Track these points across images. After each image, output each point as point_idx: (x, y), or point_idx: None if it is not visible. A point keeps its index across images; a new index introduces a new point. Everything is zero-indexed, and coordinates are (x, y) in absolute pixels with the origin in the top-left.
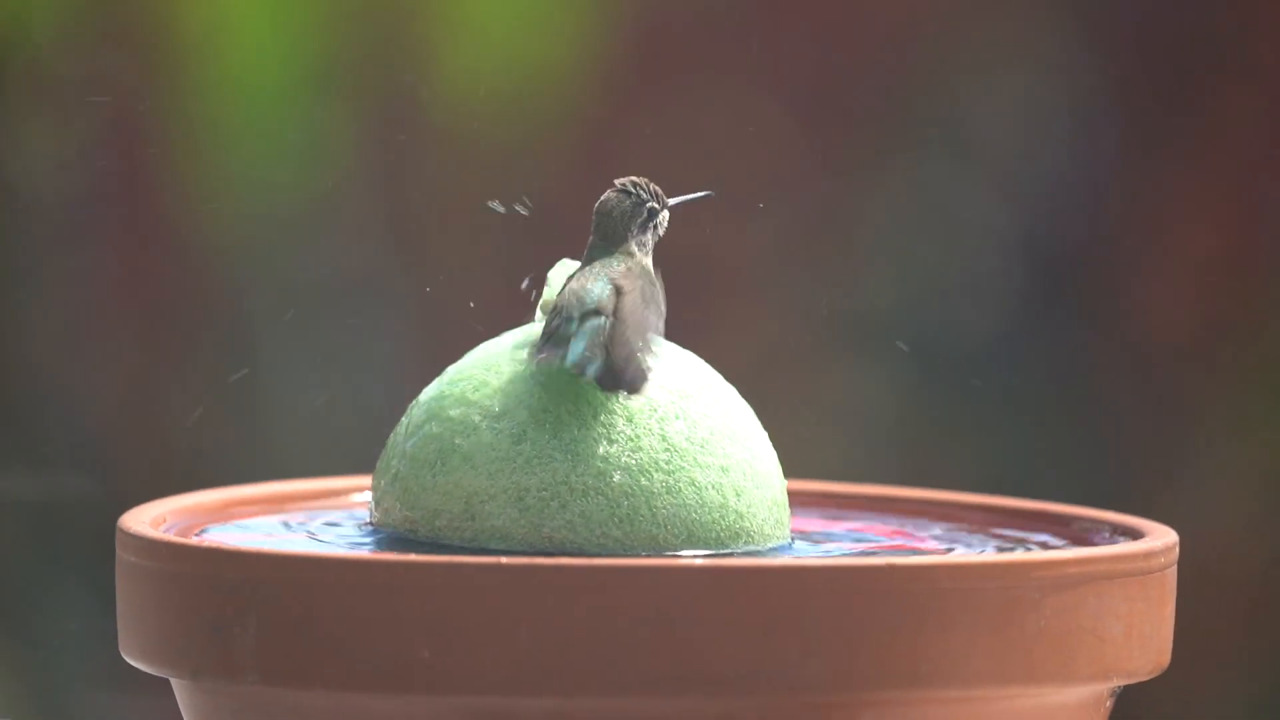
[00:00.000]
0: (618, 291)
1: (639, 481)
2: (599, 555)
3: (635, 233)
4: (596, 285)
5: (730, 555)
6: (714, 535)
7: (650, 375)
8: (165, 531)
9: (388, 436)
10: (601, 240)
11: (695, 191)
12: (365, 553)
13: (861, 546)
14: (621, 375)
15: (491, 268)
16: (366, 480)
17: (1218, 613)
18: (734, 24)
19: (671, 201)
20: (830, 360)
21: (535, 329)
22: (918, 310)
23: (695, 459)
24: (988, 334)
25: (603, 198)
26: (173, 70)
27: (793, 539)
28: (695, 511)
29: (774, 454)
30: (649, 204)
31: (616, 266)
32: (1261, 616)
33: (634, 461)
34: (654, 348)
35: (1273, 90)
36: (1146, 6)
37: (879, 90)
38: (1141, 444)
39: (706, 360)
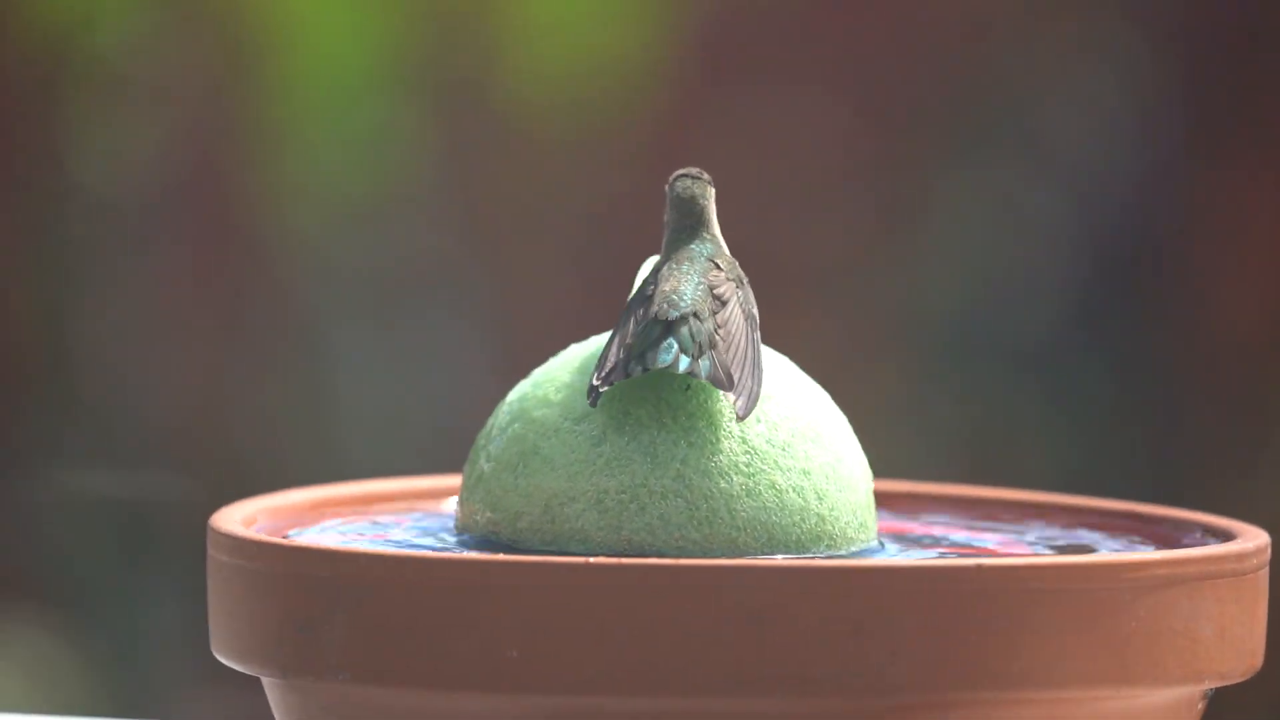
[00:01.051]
0: (718, 300)
1: (718, 484)
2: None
3: (713, 217)
4: (688, 287)
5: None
6: (794, 538)
7: (758, 401)
8: (256, 531)
9: (459, 433)
10: (683, 223)
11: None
12: (453, 552)
13: (949, 549)
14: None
15: (561, 262)
16: (453, 480)
17: None
18: (800, 22)
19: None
20: (898, 361)
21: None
22: (988, 308)
23: (776, 462)
24: (1058, 332)
25: (678, 184)
26: (246, 70)
27: (881, 541)
28: (775, 514)
29: (862, 456)
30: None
31: (707, 263)
32: None
33: (713, 464)
34: (760, 371)
35: None
36: (1214, 5)
37: (946, 89)
38: (1213, 443)
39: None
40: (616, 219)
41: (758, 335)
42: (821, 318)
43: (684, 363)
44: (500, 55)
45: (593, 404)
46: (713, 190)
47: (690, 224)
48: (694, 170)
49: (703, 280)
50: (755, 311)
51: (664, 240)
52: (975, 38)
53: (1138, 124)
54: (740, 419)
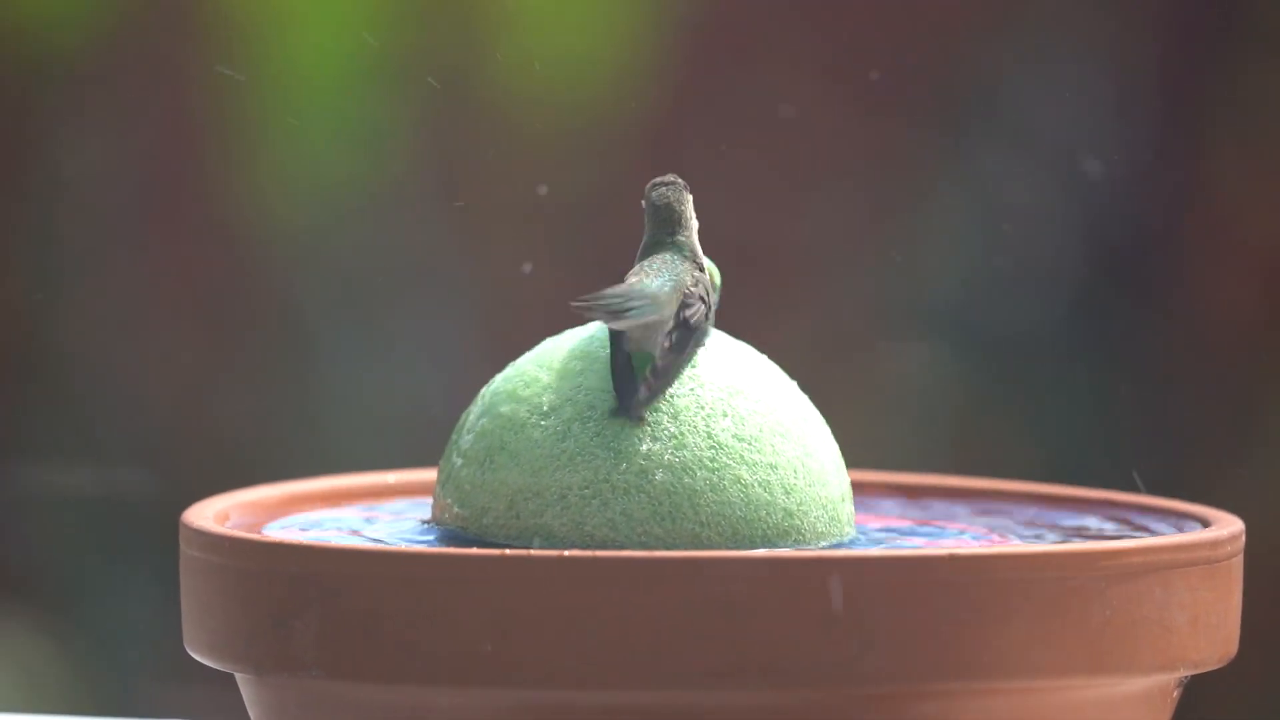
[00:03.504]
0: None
1: (682, 480)
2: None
3: (691, 223)
4: (657, 281)
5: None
6: (760, 533)
7: (644, 412)
8: (228, 527)
9: (445, 428)
10: (659, 232)
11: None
12: (426, 547)
13: (923, 539)
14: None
15: (549, 255)
16: (425, 475)
17: None
18: (787, 14)
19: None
20: (886, 347)
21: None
22: (975, 297)
23: (742, 456)
24: (1046, 321)
25: (658, 195)
26: (229, 64)
27: (857, 534)
28: (740, 509)
29: (834, 450)
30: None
31: (680, 267)
32: None
33: (677, 459)
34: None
35: None
36: None
37: (934, 79)
38: (1201, 432)
39: (760, 349)
40: (605, 212)
41: (690, 353)
42: (808, 306)
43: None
44: (487, 48)
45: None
46: (689, 196)
47: (667, 231)
48: (669, 177)
49: (674, 285)
50: (708, 330)
51: (640, 247)
52: (963, 26)
53: (1132, 113)
54: (623, 414)
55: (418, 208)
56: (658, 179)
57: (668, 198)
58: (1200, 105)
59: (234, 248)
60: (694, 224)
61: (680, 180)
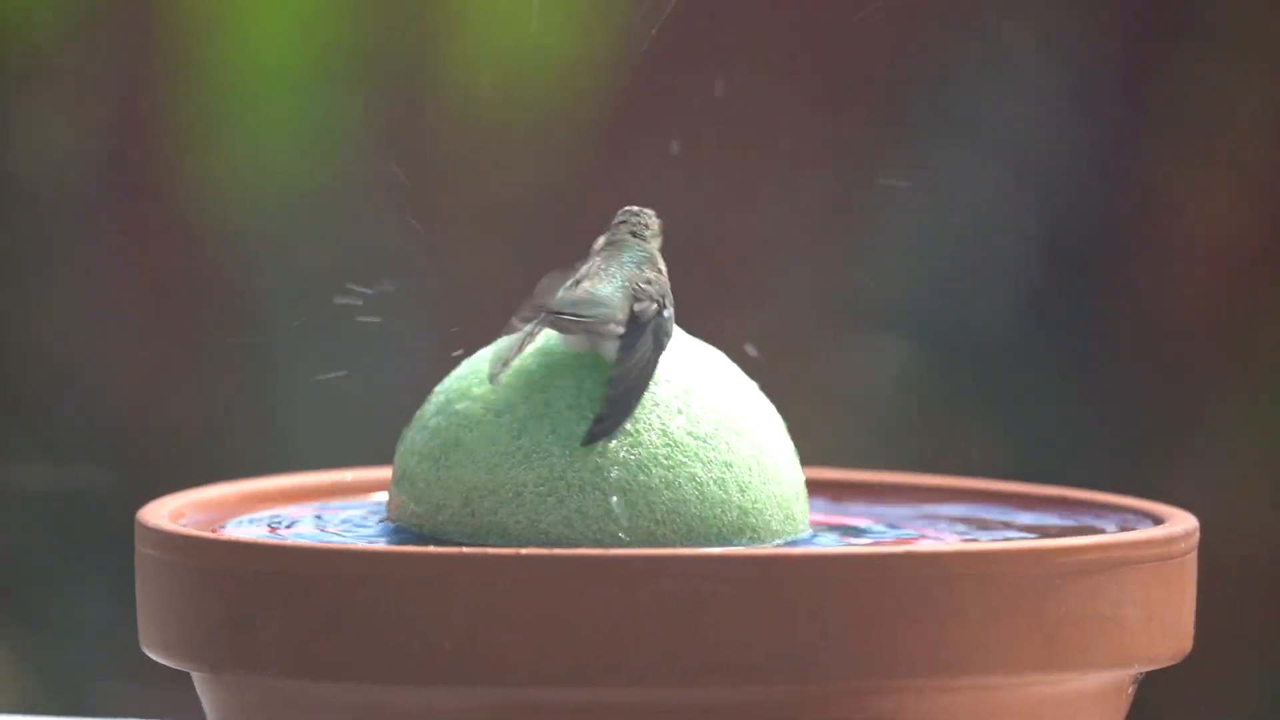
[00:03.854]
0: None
1: (637, 477)
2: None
3: (654, 239)
4: (607, 286)
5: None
6: (715, 531)
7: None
8: (184, 525)
9: (400, 427)
10: (621, 239)
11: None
12: (385, 545)
13: (877, 536)
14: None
15: (508, 251)
16: (381, 472)
17: (1235, 596)
18: (744, 7)
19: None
20: (841, 345)
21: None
22: (929, 295)
23: (697, 454)
24: (999, 318)
25: (622, 221)
26: (181, 57)
27: (815, 532)
28: (695, 507)
29: (789, 448)
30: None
31: (637, 270)
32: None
33: (632, 457)
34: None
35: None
36: None
37: (889, 76)
38: (1153, 428)
39: (715, 345)
40: (564, 208)
41: (644, 354)
42: (765, 303)
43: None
44: (445, 41)
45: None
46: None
47: (626, 235)
48: (641, 210)
49: (627, 286)
50: (667, 343)
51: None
52: (918, 25)
53: (1082, 111)
54: (586, 443)
55: (375, 204)
56: (631, 208)
57: (632, 213)
58: (1153, 103)
59: (191, 244)
60: (657, 242)
61: (653, 217)
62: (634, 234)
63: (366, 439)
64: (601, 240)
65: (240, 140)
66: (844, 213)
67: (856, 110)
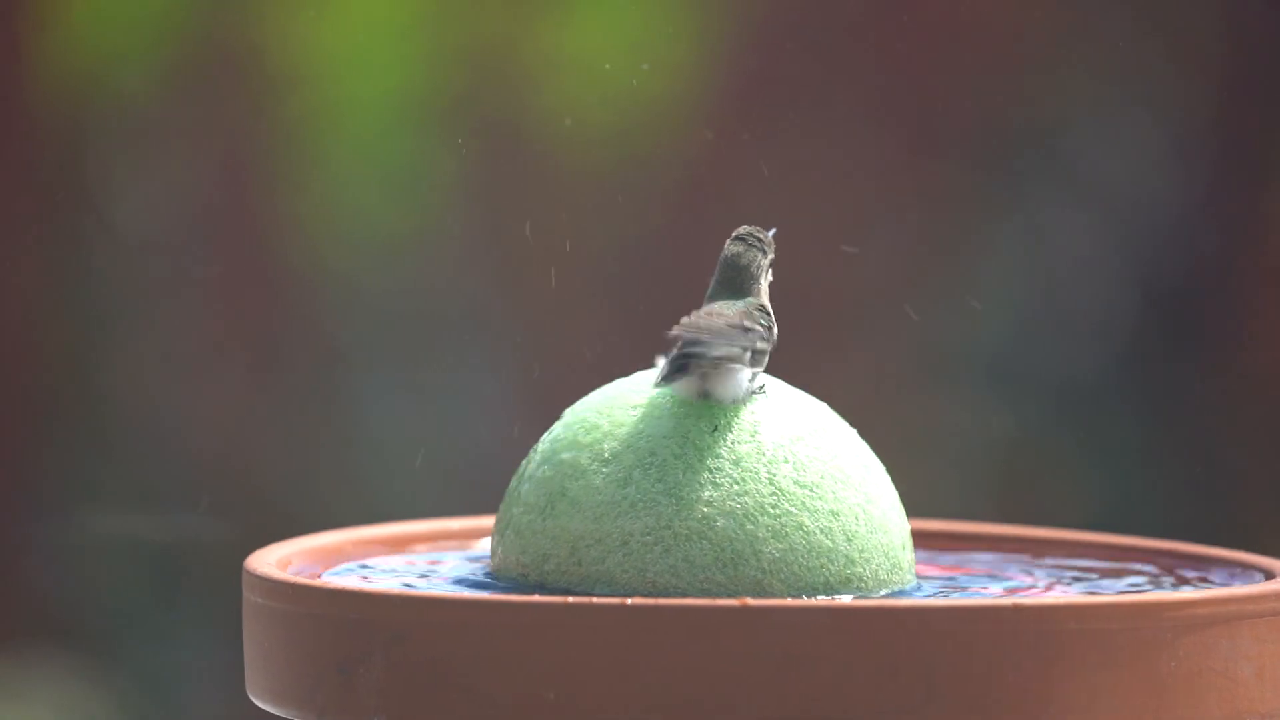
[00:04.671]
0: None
1: (744, 526)
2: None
3: (761, 283)
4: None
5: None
6: (822, 581)
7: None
8: (291, 573)
9: (490, 471)
10: (726, 289)
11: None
12: (490, 594)
13: (986, 588)
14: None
15: (594, 300)
16: (483, 521)
17: None
18: (836, 55)
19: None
20: (935, 396)
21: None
22: (1025, 343)
23: (804, 503)
24: (1094, 368)
25: (731, 251)
26: (276, 105)
27: (918, 583)
28: (803, 556)
29: (895, 497)
30: (770, 254)
31: (747, 307)
32: None
33: (739, 506)
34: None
35: None
36: (1247, 36)
37: (984, 125)
38: (1250, 481)
39: (815, 395)
40: (650, 256)
41: (753, 349)
42: (859, 353)
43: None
44: (533, 90)
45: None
46: (765, 256)
47: (734, 284)
48: (752, 231)
49: (737, 321)
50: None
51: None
52: (1010, 68)
53: (1178, 160)
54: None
55: (464, 250)
56: (741, 230)
57: (738, 254)
58: (1255, 151)
59: (283, 291)
60: (765, 281)
61: (761, 238)
62: (739, 281)
63: (450, 485)
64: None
65: (334, 187)
66: (939, 261)
67: (952, 157)
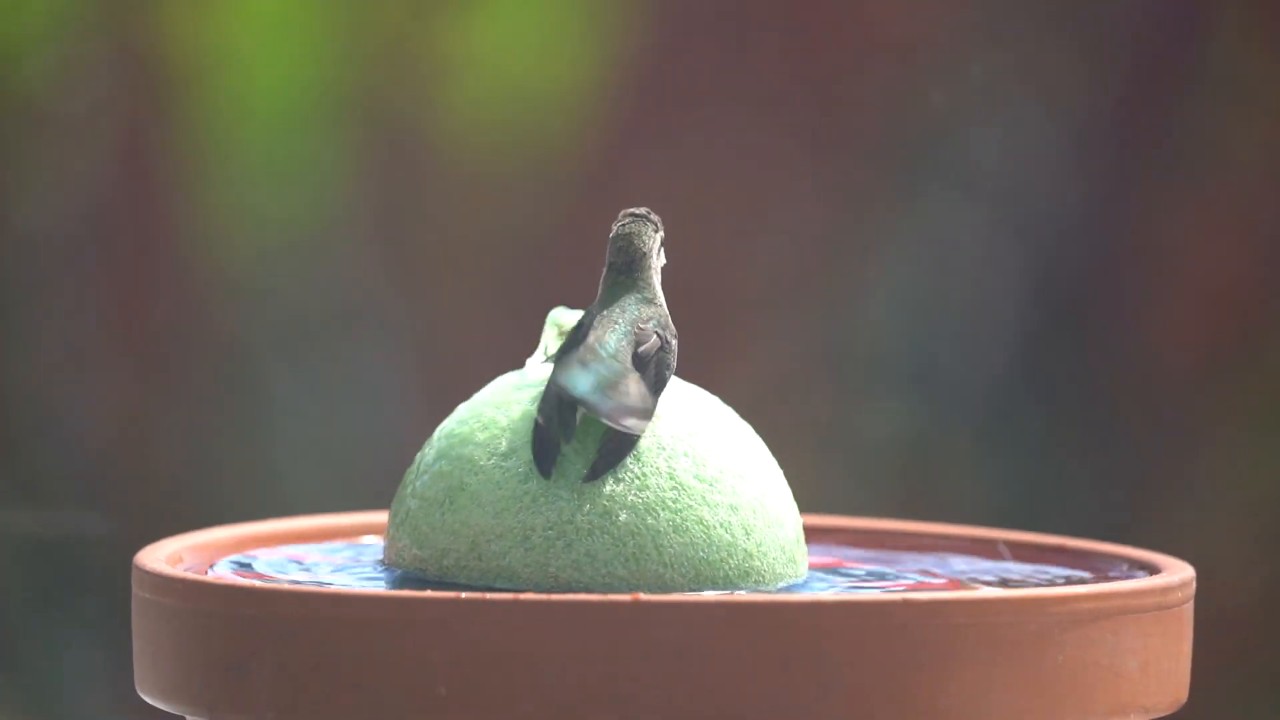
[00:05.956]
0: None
1: (645, 520)
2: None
3: (653, 259)
4: (613, 336)
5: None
6: (722, 574)
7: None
8: (181, 569)
9: (388, 467)
10: (622, 269)
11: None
12: (381, 589)
13: (876, 583)
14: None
15: (493, 298)
16: (376, 517)
17: (1230, 643)
18: (738, 52)
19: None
20: (832, 393)
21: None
22: (922, 342)
23: (703, 497)
24: (991, 365)
25: (622, 228)
26: (172, 101)
27: (809, 577)
28: (703, 550)
29: (788, 491)
30: (660, 232)
31: (638, 312)
32: (1274, 644)
33: (640, 500)
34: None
35: (1274, 116)
36: (1144, 36)
37: (883, 122)
38: (1146, 475)
39: (711, 391)
40: (549, 252)
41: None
42: (756, 349)
43: (581, 389)
44: (431, 88)
45: (546, 474)
46: (656, 233)
47: (625, 265)
48: (640, 210)
49: (630, 332)
50: (669, 374)
51: (601, 279)
52: (911, 71)
53: (1075, 157)
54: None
55: (360, 247)
56: (629, 210)
57: (629, 231)
58: (1147, 150)
59: (177, 286)
60: (657, 260)
61: (649, 214)
62: (630, 260)
63: (348, 480)
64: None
65: (231, 183)
66: (837, 258)
67: (850, 155)
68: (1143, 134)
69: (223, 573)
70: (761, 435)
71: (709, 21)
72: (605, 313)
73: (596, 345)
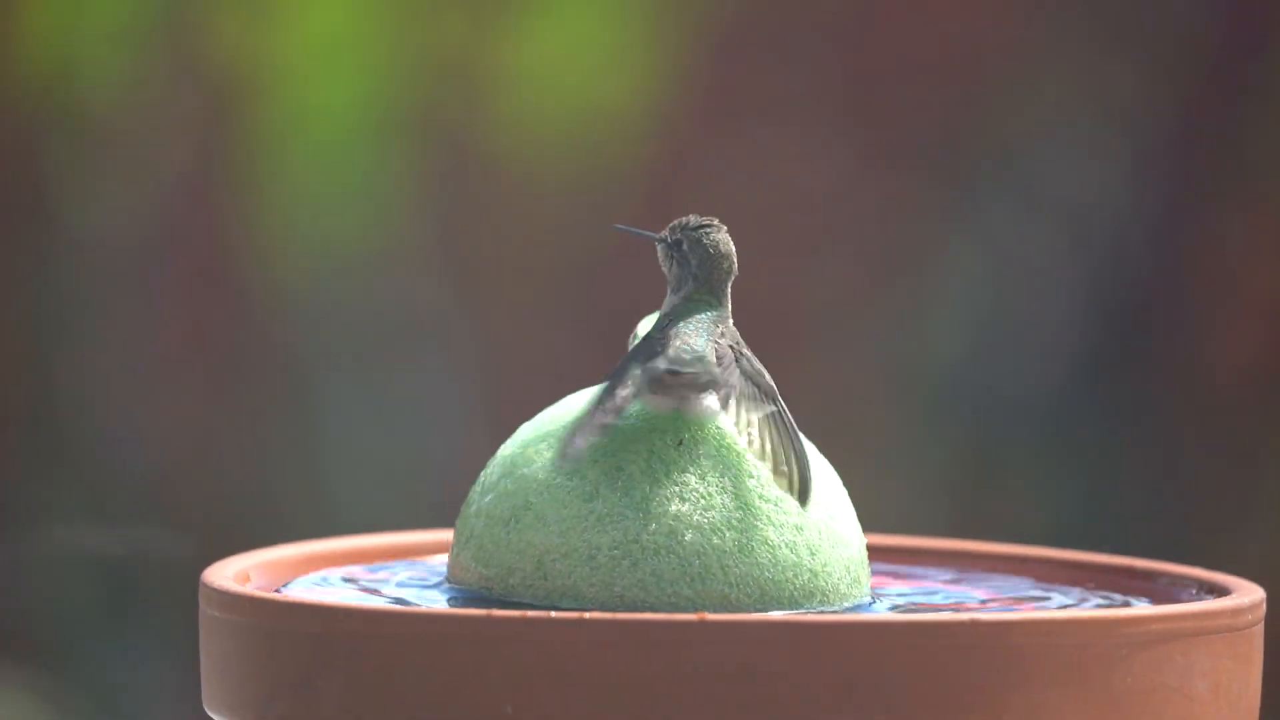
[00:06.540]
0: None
1: (711, 540)
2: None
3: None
4: (699, 342)
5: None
6: (787, 594)
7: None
8: (249, 587)
9: (450, 485)
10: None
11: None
12: (446, 608)
13: (942, 604)
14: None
15: (552, 312)
16: (444, 535)
17: None
18: (797, 68)
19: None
20: (893, 410)
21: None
22: (983, 357)
23: (769, 517)
24: (1052, 383)
25: (715, 236)
26: (236, 121)
27: (875, 597)
28: (768, 570)
29: (853, 511)
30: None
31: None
32: None
33: (706, 520)
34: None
35: None
36: (1205, 51)
37: (944, 138)
38: (1209, 493)
39: None
40: (609, 269)
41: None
42: (816, 366)
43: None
44: (490, 103)
45: (565, 463)
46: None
47: (712, 279)
48: (716, 222)
49: (710, 342)
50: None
51: (678, 287)
52: (971, 82)
53: (1137, 173)
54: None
55: (421, 263)
56: (703, 222)
57: (721, 240)
58: (1209, 168)
59: (239, 302)
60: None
61: (719, 232)
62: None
63: (409, 497)
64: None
65: (291, 200)
66: (897, 275)
67: (911, 171)
68: (1203, 149)
69: (292, 591)
70: (824, 453)
71: (769, 36)
72: (682, 321)
73: (684, 347)
